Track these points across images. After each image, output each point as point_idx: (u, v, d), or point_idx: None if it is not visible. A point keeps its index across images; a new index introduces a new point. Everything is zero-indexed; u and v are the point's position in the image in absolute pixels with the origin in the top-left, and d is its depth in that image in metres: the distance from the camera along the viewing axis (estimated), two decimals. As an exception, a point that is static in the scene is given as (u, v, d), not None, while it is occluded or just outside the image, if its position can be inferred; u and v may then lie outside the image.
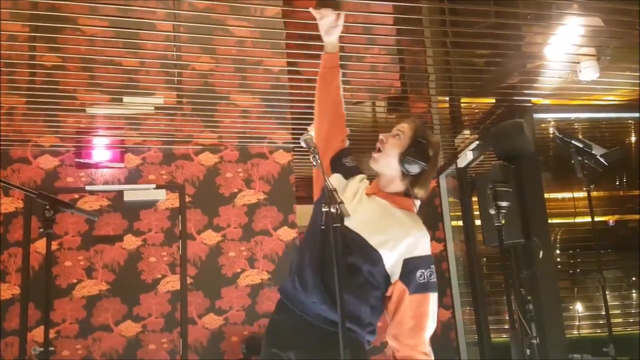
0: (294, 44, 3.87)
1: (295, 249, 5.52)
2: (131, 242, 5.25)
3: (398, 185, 2.11)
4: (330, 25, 2.21)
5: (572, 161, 3.62)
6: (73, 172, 5.28)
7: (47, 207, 2.30)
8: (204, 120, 4.95)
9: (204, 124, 5.02)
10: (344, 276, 1.88)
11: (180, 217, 5.37)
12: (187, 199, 5.42)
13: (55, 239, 5.05)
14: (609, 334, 3.64)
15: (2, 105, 4.28)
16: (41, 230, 2.35)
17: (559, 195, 6.94)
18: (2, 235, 5.01)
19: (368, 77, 4.39)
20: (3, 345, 4.80)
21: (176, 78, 4.22)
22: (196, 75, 4.19)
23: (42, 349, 4.61)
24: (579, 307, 6.72)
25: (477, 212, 5.14)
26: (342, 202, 1.72)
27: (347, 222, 1.99)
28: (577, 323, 6.56)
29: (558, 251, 6.87)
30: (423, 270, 1.99)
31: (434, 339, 2.03)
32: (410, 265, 1.98)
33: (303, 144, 1.89)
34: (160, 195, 5.35)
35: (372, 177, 2.24)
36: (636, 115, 5.28)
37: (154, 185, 5.38)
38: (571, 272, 6.92)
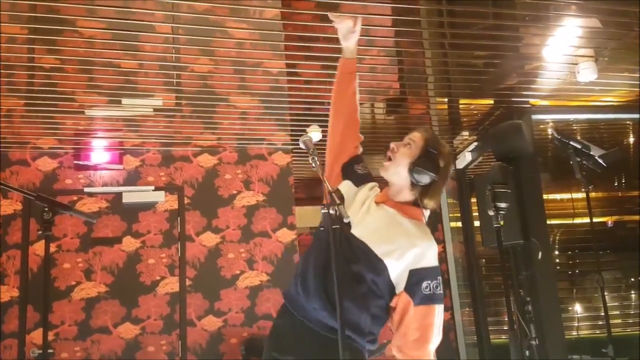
0: (292, 46, 3.87)
1: (295, 250, 5.53)
2: (130, 244, 5.25)
3: (407, 195, 2.09)
4: (348, 30, 2.19)
5: (571, 162, 3.62)
6: (72, 174, 5.28)
7: (46, 209, 2.29)
8: (203, 122, 4.95)
9: (203, 125, 5.02)
10: (346, 284, 1.89)
11: (179, 218, 5.37)
12: (186, 200, 5.42)
13: (53, 241, 5.05)
14: (608, 335, 3.64)
15: (1, 107, 4.28)
16: (40, 232, 2.34)
17: (558, 196, 6.95)
18: (1, 238, 5.01)
19: (367, 78, 4.39)
20: (2, 347, 4.80)
21: (175, 80, 4.23)
22: (195, 77, 4.19)
23: (40, 351, 4.62)
24: (578, 308, 6.72)
25: (476, 213, 5.14)
26: (340, 204, 1.72)
27: (354, 231, 2.00)
28: (576, 324, 6.56)
29: (557, 252, 6.87)
30: (429, 282, 1.96)
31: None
32: (416, 276, 1.96)
33: (302, 146, 1.89)
34: (159, 197, 5.35)
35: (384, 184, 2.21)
36: (634, 116, 5.29)
37: (152, 187, 5.38)
38: (570, 273, 6.92)
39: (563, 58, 4.15)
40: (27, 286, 4.95)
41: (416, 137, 2.12)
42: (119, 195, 5.29)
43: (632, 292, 6.84)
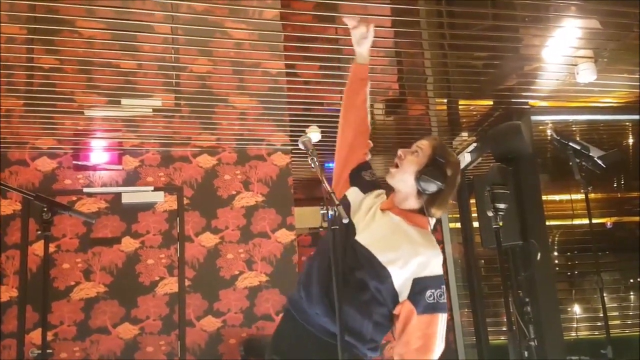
0: (292, 46, 3.87)
1: (294, 251, 5.52)
2: (129, 244, 5.24)
3: (413, 203, 2.07)
4: (361, 36, 2.19)
5: (570, 163, 3.62)
6: (71, 175, 5.27)
7: (45, 209, 2.30)
8: (202, 123, 4.95)
9: (202, 126, 5.02)
10: (349, 291, 1.90)
11: (178, 219, 5.37)
12: (185, 201, 5.41)
13: (53, 241, 5.05)
14: (607, 336, 3.64)
15: (0, 107, 4.28)
16: (39, 232, 2.34)
17: (557, 197, 6.95)
18: (0, 238, 5.01)
19: (366, 79, 4.39)
20: (1, 347, 4.79)
21: (174, 80, 4.22)
22: (194, 78, 4.19)
23: (39, 352, 4.62)
24: (576, 309, 6.72)
25: (475, 214, 5.15)
26: (339, 205, 1.72)
27: (359, 238, 2.00)
28: (575, 325, 6.56)
29: (556, 253, 6.87)
30: (433, 291, 1.95)
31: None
32: (419, 285, 1.95)
33: (301, 146, 1.89)
34: (158, 197, 5.35)
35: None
36: (634, 117, 5.29)
37: (152, 188, 5.37)
38: (569, 274, 6.92)
39: (562, 59, 4.15)
40: (26, 286, 4.94)
41: (424, 145, 2.10)
42: (118, 195, 5.29)
43: (631, 293, 6.84)
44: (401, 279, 1.95)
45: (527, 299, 3.97)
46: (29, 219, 5.06)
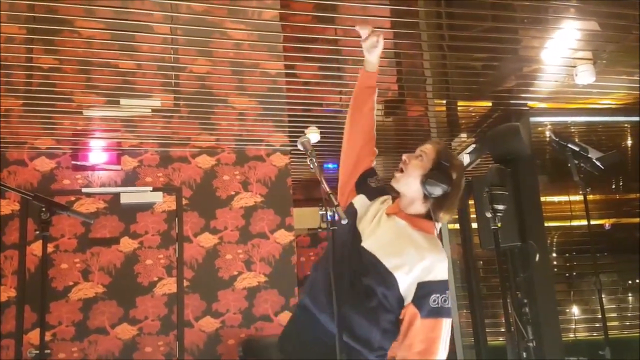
0: (291, 47, 3.87)
1: (293, 252, 5.52)
2: (128, 244, 5.24)
3: (419, 207, 2.07)
4: (372, 45, 2.18)
5: (569, 164, 3.62)
6: (69, 175, 5.27)
7: (44, 209, 2.29)
8: (201, 123, 4.94)
9: (201, 126, 5.02)
10: (356, 297, 1.91)
11: (177, 219, 5.37)
12: (184, 201, 5.41)
13: (51, 242, 5.05)
14: (605, 337, 3.64)
15: (-2, 107, 4.28)
16: (37, 232, 2.33)
17: (555, 199, 6.95)
18: (-2, 238, 5.01)
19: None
20: None
21: (173, 80, 4.22)
22: (193, 78, 4.19)
23: (38, 352, 4.61)
24: (575, 310, 6.72)
25: (473, 216, 5.15)
26: (338, 205, 1.72)
27: (365, 244, 2.00)
28: (574, 326, 6.56)
29: (554, 254, 6.87)
30: (437, 295, 1.94)
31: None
32: (424, 289, 1.94)
33: (300, 147, 1.89)
34: (157, 197, 5.35)
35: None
36: (632, 119, 5.31)
37: (150, 188, 5.37)
38: (567, 275, 6.92)
39: (561, 60, 4.15)
40: (24, 286, 4.94)
41: (428, 149, 2.10)
42: (116, 195, 5.28)
43: (630, 294, 6.84)
44: (406, 283, 1.95)
45: (525, 300, 3.98)
46: (28, 219, 5.06)
